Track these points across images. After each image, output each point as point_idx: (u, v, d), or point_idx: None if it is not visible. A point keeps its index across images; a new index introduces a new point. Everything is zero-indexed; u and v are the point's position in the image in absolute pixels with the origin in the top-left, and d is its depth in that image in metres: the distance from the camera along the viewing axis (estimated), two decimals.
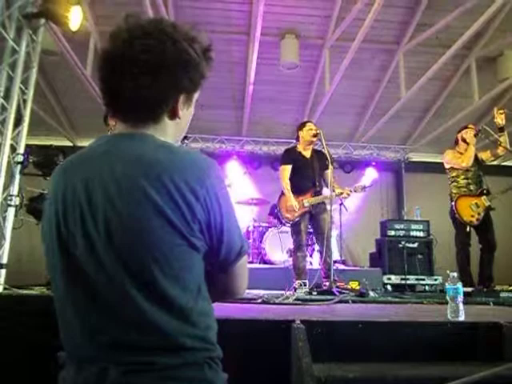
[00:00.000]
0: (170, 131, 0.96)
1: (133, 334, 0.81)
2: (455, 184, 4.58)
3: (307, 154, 4.35)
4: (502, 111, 4.38)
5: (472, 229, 4.46)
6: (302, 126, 4.44)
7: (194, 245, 0.84)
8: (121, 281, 0.80)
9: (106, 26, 5.67)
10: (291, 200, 4.15)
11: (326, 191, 4.31)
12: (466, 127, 4.67)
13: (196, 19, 5.73)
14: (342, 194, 4.23)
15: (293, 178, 4.28)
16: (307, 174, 4.27)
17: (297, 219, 4.16)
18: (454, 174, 4.62)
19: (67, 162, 0.95)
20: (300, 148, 4.38)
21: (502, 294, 4.06)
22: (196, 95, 0.99)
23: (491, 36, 6.08)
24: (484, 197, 4.40)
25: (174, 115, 0.94)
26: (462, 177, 4.55)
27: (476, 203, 4.40)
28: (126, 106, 0.91)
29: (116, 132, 0.95)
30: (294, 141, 7.75)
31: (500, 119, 4.38)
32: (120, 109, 0.93)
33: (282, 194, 4.33)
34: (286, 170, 4.28)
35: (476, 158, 4.55)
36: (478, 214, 4.37)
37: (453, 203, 4.50)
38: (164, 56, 0.87)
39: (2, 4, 3.49)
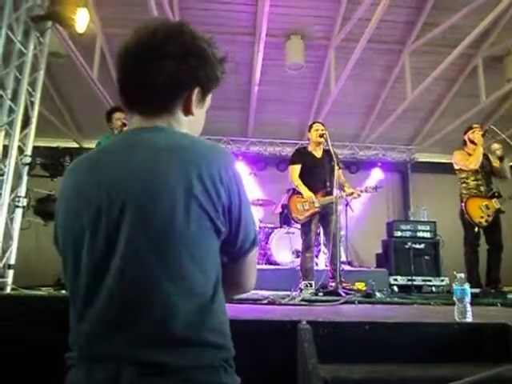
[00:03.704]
0: (184, 127, 0.99)
1: (152, 325, 0.79)
2: (465, 185, 4.54)
3: (318, 154, 4.36)
4: (498, 146, 4.39)
5: (480, 229, 4.43)
6: (310, 126, 4.49)
7: (219, 229, 0.85)
8: (148, 265, 0.80)
9: (112, 27, 5.70)
10: (307, 192, 4.13)
11: (336, 192, 4.30)
12: (471, 128, 4.64)
13: (201, 20, 5.74)
14: (352, 193, 4.24)
15: (304, 178, 4.27)
16: (318, 173, 4.26)
17: (307, 219, 4.16)
18: (463, 175, 4.57)
19: (86, 157, 0.95)
20: (311, 148, 4.40)
21: (510, 296, 4.04)
22: (209, 98, 1.03)
23: (498, 35, 6.04)
24: (495, 199, 4.36)
25: (187, 109, 0.97)
26: (472, 178, 4.51)
27: (486, 205, 4.36)
28: (143, 94, 0.94)
29: (133, 127, 0.96)
30: (300, 141, 7.86)
31: (499, 152, 4.40)
32: (137, 98, 0.96)
33: (292, 194, 4.32)
34: (295, 169, 4.29)
35: (487, 158, 4.51)
36: (488, 215, 4.33)
37: (462, 204, 4.47)
38: (184, 47, 0.92)
39: (9, 7, 3.52)
